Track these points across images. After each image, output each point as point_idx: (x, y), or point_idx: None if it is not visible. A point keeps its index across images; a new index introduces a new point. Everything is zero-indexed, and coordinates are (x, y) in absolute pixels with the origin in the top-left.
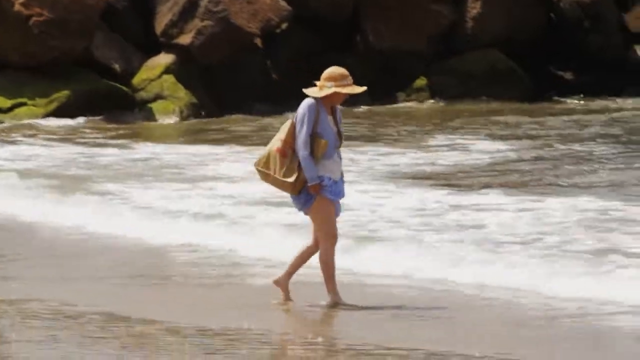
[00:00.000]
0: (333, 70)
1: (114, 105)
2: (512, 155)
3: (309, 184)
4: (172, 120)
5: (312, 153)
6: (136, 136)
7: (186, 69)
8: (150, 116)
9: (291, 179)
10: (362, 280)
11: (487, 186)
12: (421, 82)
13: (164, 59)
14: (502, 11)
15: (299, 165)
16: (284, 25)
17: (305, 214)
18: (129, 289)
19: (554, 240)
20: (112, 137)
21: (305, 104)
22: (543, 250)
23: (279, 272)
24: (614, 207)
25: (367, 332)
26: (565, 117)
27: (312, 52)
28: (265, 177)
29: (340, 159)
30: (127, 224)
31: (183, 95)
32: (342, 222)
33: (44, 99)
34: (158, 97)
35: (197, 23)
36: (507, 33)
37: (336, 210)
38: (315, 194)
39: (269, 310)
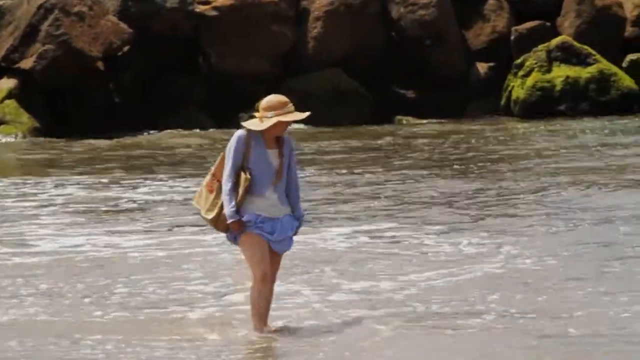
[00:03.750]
0: (271, 98)
1: None
2: None
3: (227, 221)
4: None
5: (236, 188)
6: None
7: (29, 94)
8: None
9: (210, 216)
10: None
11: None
12: None
13: (6, 83)
14: (344, 30)
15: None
16: (126, 48)
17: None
18: None
19: None
20: None
21: (234, 135)
22: None
23: None
24: None
25: None
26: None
27: (155, 75)
28: (200, 212)
29: (287, 193)
30: None
31: (26, 120)
32: None
33: None
34: (0, 122)
35: (38, 47)
36: (349, 52)
37: (278, 246)
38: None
39: None
